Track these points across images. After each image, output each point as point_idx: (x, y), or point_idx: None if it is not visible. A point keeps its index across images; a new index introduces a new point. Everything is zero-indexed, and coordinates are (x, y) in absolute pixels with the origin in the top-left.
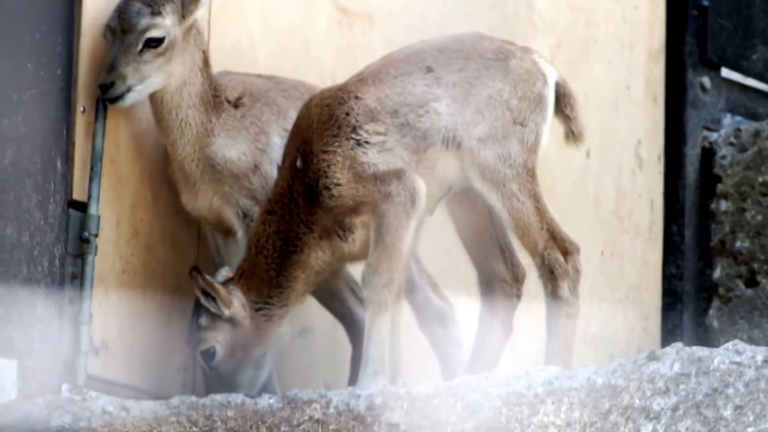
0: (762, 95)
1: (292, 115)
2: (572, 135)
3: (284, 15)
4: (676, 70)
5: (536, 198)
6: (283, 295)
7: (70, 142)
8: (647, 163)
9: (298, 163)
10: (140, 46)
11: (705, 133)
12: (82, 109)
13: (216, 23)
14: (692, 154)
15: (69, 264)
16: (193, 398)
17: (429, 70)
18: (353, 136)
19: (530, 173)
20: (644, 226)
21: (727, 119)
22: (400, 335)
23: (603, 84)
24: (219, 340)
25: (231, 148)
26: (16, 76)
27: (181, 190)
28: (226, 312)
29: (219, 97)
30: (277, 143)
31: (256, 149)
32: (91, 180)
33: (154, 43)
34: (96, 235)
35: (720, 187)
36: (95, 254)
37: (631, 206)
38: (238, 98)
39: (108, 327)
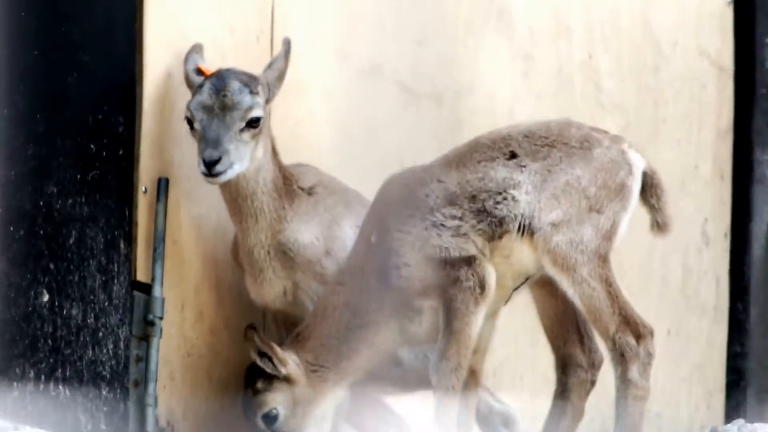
0: None
1: (361, 215)
2: (657, 225)
3: (347, 96)
4: (743, 148)
5: (608, 283)
6: (341, 365)
7: (132, 223)
8: (713, 241)
9: (373, 238)
10: (243, 125)
11: None
12: (143, 189)
13: (277, 104)
14: (758, 230)
15: (134, 346)
16: None
17: (513, 155)
18: (429, 217)
19: (602, 259)
20: (710, 304)
21: None
22: (471, 421)
23: (671, 164)
24: (279, 400)
25: (305, 233)
26: (79, 156)
27: (247, 278)
28: (283, 371)
29: (291, 185)
30: (349, 234)
31: (329, 235)
32: (154, 261)
33: (255, 122)
34: (161, 318)
35: None
36: (160, 337)
37: (697, 285)
38: (312, 187)
39: (173, 409)
